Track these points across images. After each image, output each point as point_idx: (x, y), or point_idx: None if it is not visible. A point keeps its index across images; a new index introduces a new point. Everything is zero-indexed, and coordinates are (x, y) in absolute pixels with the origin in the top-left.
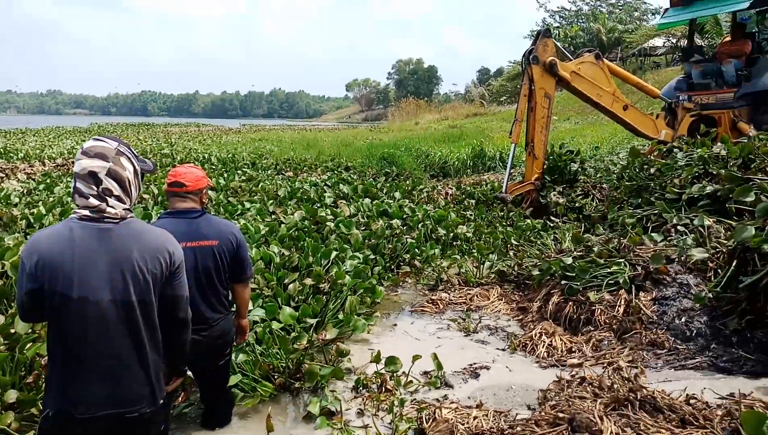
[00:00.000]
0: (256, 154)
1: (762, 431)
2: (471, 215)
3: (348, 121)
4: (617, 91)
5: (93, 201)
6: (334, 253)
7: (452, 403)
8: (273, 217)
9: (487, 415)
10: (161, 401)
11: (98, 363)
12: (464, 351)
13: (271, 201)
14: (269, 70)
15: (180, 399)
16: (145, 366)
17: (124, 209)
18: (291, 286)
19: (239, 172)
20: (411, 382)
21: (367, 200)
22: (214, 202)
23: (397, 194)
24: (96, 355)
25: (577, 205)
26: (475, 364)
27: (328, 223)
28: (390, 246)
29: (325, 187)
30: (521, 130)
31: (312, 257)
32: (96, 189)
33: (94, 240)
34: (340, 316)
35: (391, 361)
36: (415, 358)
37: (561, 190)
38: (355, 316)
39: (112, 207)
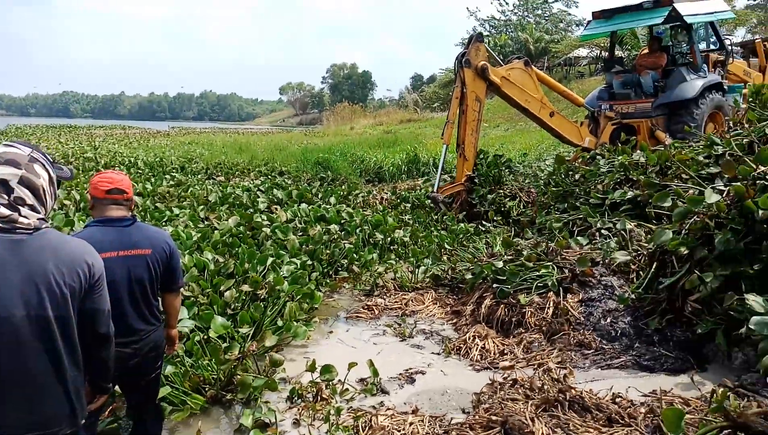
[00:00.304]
0: (185, 158)
1: (680, 426)
2: (408, 219)
3: (282, 125)
4: (544, 98)
5: (4, 211)
6: (270, 259)
7: (388, 409)
8: (206, 223)
9: (422, 421)
10: (83, 421)
11: (12, 383)
12: (400, 356)
13: (202, 206)
14: (200, 72)
15: (107, 413)
16: (64, 385)
17: (38, 219)
18: (227, 293)
19: (167, 176)
20: (347, 389)
21: (304, 205)
22: (140, 208)
23: (333, 199)
24: (9, 375)
25: (503, 208)
26: (410, 369)
27: (264, 229)
28: (328, 251)
29: (258, 193)
30: (452, 132)
31: (248, 264)
32: (7, 198)
33: (5, 252)
34: (279, 323)
35: (327, 369)
36: (351, 365)
37: (488, 191)
38: (295, 323)
39: (25, 217)
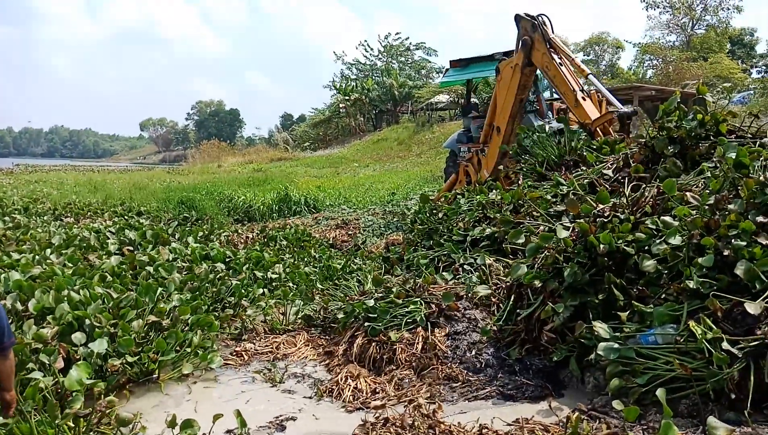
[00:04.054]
0: (29, 198)
1: None
2: (287, 257)
3: (143, 162)
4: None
5: None
6: (172, 292)
7: None
8: (86, 262)
9: None
10: None
11: None
12: (270, 403)
13: (47, 249)
14: (49, 105)
15: None
16: None
17: None
18: (135, 323)
19: (6, 218)
20: None
21: (192, 242)
22: None
23: (191, 239)
24: None
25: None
26: (281, 416)
27: (147, 268)
28: (214, 289)
29: (108, 234)
30: None
31: (146, 297)
32: None
33: None
34: (173, 355)
35: (188, 424)
36: (216, 417)
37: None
38: (207, 351)
39: None
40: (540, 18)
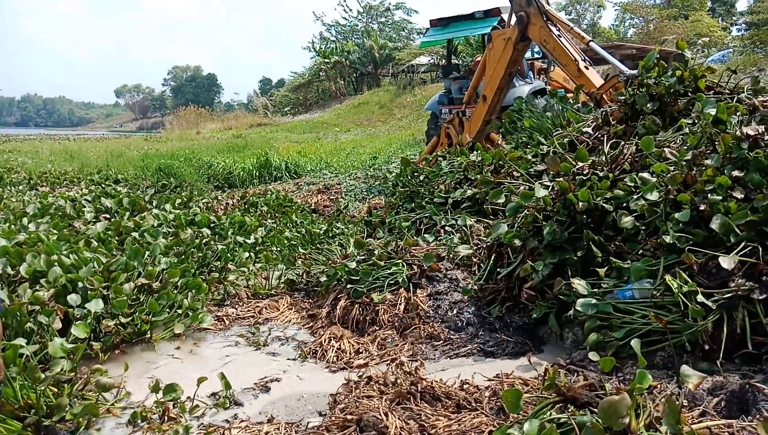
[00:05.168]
0: (3, 168)
1: (519, 405)
2: (270, 223)
3: (120, 130)
4: None
5: None
6: (147, 254)
7: (242, 421)
8: (70, 229)
9: (278, 429)
10: None
11: None
12: (254, 366)
13: (24, 218)
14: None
15: None
16: None
17: None
18: (126, 286)
19: None
20: (197, 406)
21: (170, 208)
22: None
23: (168, 206)
24: None
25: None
26: (265, 377)
27: (132, 233)
28: (199, 254)
29: (84, 202)
30: None
31: (135, 261)
32: None
33: None
34: (166, 315)
35: (171, 388)
36: (201, 380)
37: None
38: (198, 311)
39: None
40: None
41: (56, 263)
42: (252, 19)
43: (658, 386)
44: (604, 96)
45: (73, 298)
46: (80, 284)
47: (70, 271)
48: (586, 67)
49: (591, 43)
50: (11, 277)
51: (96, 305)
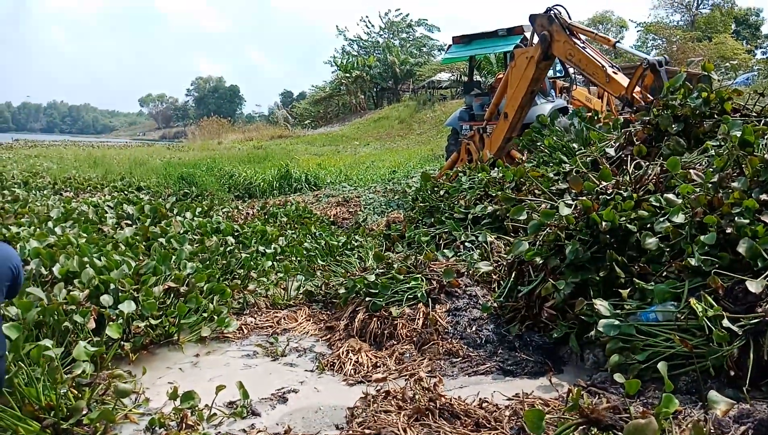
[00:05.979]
0: (29, 173)
1: (541, 426)
2: (289, 233)
3: (143, 138)
4: None
5: None
6: (183, 260)
7: (259, 432)
8: (98, 233)
9: None
10: None
11: None
12: (272, 376)
13: (49, 223)
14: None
15: None
16: None
17: None
18: (155, 289)
19: (6, 192)
20: (215, 414)
21: (190, 216)
22: None
23: (188, 214)
24: None
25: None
26: (283, 388)
27: (159, 239)
28: (224, 261)
29: (107, 208)
30: None
31: (163, 265)
32: None
33: None
34: (194, 319)
35: (189, 396)
36: (219, 388)
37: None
38: (223, 316)
39: None
40: (554, 9)
41: (88, 265)
42: (274, 32)
43: (683, 411)
44: (635, 96)
45: (106, 299)
46: (112, 286)
47: (102, 272)
48: (615, 72)
49: (617, 44)
50: (44, 276)
51: (128, 307)
